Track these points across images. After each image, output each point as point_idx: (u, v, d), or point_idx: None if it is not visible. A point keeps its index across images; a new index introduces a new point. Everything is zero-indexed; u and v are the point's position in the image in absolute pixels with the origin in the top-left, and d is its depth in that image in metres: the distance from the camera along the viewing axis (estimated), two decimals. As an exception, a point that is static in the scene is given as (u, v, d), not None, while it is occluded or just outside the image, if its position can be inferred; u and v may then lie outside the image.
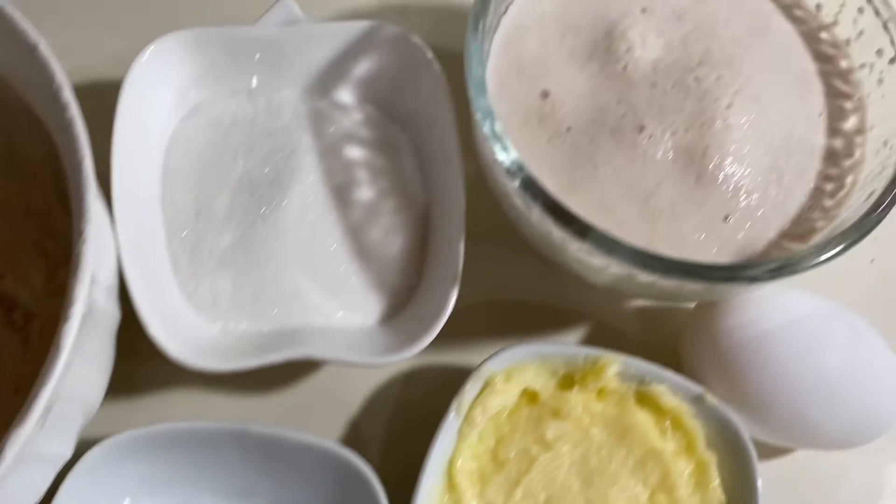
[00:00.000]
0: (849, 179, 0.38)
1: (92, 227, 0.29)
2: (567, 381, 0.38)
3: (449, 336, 0.37)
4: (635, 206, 0.36)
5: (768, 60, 0.39)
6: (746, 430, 0.37)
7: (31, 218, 0.36)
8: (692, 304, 0.41)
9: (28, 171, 0.36)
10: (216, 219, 0.39)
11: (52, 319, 0.29)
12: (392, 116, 0.43)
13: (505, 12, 0.40)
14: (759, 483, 0.36)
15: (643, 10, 0.40)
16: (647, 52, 0.39)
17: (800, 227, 0.37)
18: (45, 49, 0.31)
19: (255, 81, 0.42)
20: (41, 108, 0.34)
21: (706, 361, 0.38)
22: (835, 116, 0.39)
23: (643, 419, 0.38)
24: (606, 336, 0.43)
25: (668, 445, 0.37)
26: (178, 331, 0.36)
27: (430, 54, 0.41)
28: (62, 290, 0.28)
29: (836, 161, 0.38)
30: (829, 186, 0.38)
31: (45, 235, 0.35)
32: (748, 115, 0.37)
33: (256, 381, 0.40)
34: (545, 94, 0.38)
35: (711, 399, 0.37)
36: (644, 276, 0.34)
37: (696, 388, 0.38)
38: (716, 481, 0.37)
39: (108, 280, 0.34)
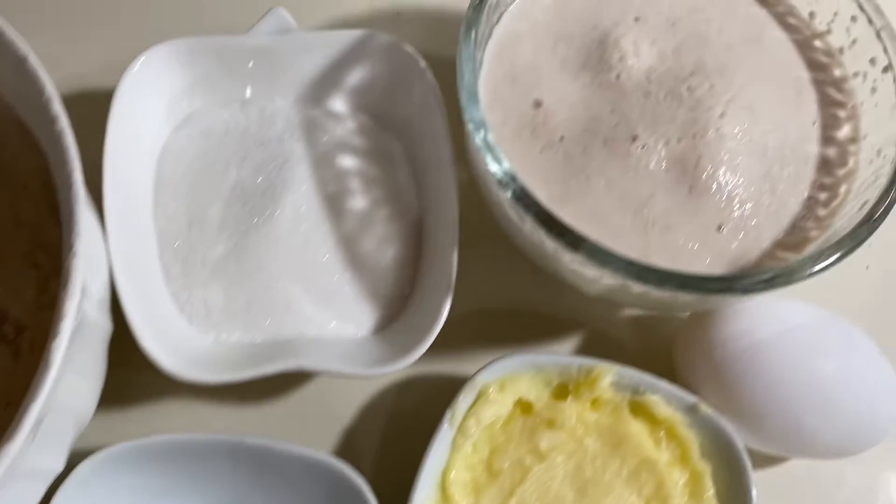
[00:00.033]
0: (842, 188, 0.38)
1: (82, 240, 0.28)
2: (561, 391, 0.38)
3: (442, 345, 0.36)
4: (628, 217, 0.36)
5: (761, 69, 0.39)
6: (741, 439, 0.37)
7: (22, 230, 0.36)
8: (687, 313, 0.41)
9: (18, 182, 0.35)
10: (209, 229, 0.39)
11: (42, 332, 0.29)
12: (385, 125, 0.43)
13: (497, 21, 0.40)
14: (754, 493, 0.36)
15: (636, 19, 0.40)
16: (641, 61, 0.39)
17: (793, 237, 0.37)
18: (34, 61, 0.31)
19: (247, 91, 0.42)
20: (31, 119, 0.33)
21: (701, 371, 0.38)
22: (828, 125, 0.39)
23: (637, 429, 0.37)
24: (601, 345, 0.42)
25: (663, 455, 0.37)
26: (170, 342, 0.36)
27: (422, 62, 0.41)
28: (53, 302, 0.28)
29: (829, 170, 0.38)
30: (822, 196, 0.37)
31: (35, 247, 0.35)
32: (741, 124, 0.37)
33: (249, 392, 0.40)
34: (538, 104, 0.38)
35: (706, 409, 0.37)
36: (637, 287, 0.34)
37: (690, 397, 0.38)
38: (710, 491, 0.37)
39: (100, 292, 0.34)
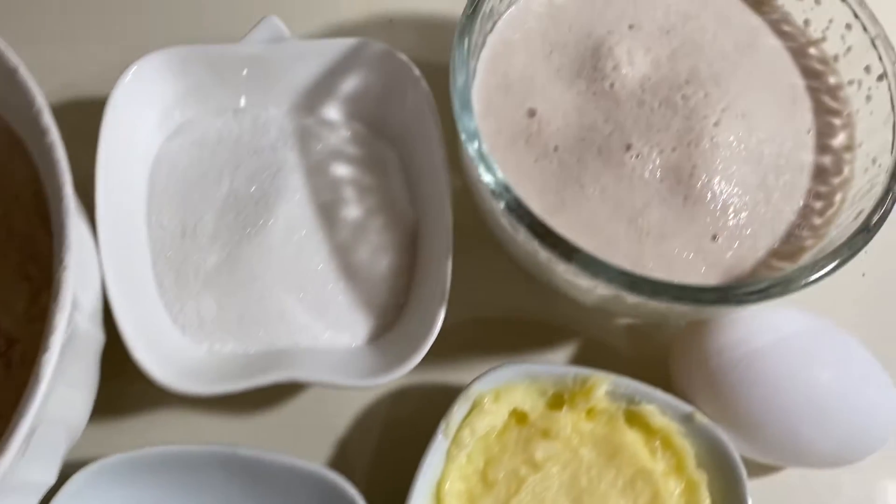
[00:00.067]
0: (837, 197, 0.37)
1: (73, 253, 0.28)
2: (556, 401, 0.38)
3: (437, 355, 0.36)
4: (623, 226, 0.36)
5: (756, 77, 0.39)
6: (737, 448, 0.37)
7: (13, 241, 0.35)
8: (682, 323, 0.41)
9: (10, 192, 0.35)
10: (202, 239, 0.39)
11: (34, 345, 0.28)
12: (379, 133, 0.43)
13: (491, 30, 0.39)
14: (750, 502, 0.36)
15: (630, 27, 0.40)
16: (635, 69, 0.38)
17: (789, 246, 0.36)
18: (24, 72, 0.30)
19: (241, 100, 0.42)
20: (21, 129, 0.33)
21: (696, 380, 0.38)
22: (823, 133, 0.39)
23: (633, 439, 0.37)
24: (596, 353, 0.42)
25: (658, 465, 0.37)
26: (163, 353, 0.36)
27: (416, 70, 0.41)
28: (44, 314, 0.28)
29: (824, 178, 0.38)
30: (818, 204, 0.37)
31: (27, 259, 0.35)
32: (736, 132, 0.37)
33: (242, 402, 0.40)
34: (532, 113, 0.38)
35: (701, 418, 0.37)
36: (631, 298, 0.34)
37: (685, 407, 0.37)
38: (706, 501, 0.37)
39: (92, 304, 0.33)
